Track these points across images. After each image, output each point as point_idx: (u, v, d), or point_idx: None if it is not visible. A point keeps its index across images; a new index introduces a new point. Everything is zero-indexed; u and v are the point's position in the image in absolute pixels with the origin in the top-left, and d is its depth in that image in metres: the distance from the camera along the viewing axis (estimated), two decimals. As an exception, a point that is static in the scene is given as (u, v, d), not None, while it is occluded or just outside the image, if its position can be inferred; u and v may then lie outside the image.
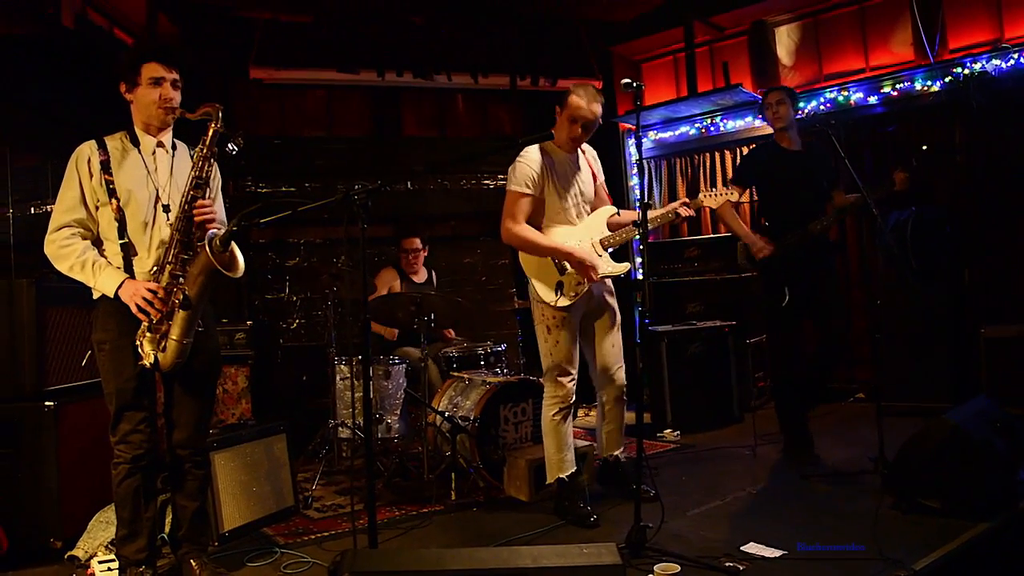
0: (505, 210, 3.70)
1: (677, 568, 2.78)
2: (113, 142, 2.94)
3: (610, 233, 3.80)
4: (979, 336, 5.15)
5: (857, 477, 3.97)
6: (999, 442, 3.42)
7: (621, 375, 3.90)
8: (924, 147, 4.25)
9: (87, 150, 2.89)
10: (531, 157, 3.68)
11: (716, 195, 6.95)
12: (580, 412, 6.18)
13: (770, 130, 6.39)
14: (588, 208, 3.88)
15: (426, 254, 5.60)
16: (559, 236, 3.72)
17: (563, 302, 3.67)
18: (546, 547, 2.29)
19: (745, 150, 6.77)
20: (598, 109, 3.66)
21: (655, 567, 2.81)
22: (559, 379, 3.75)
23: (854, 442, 4.70)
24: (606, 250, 3.75)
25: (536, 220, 3.73)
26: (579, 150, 3.88)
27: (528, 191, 3.65)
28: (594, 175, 3.95)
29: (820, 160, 4.20)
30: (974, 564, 3.02)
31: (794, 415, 4.53)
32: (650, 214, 3.48)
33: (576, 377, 3.80)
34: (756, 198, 4.77)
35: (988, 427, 3.47)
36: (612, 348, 3.87)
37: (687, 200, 3.82)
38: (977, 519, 3.20)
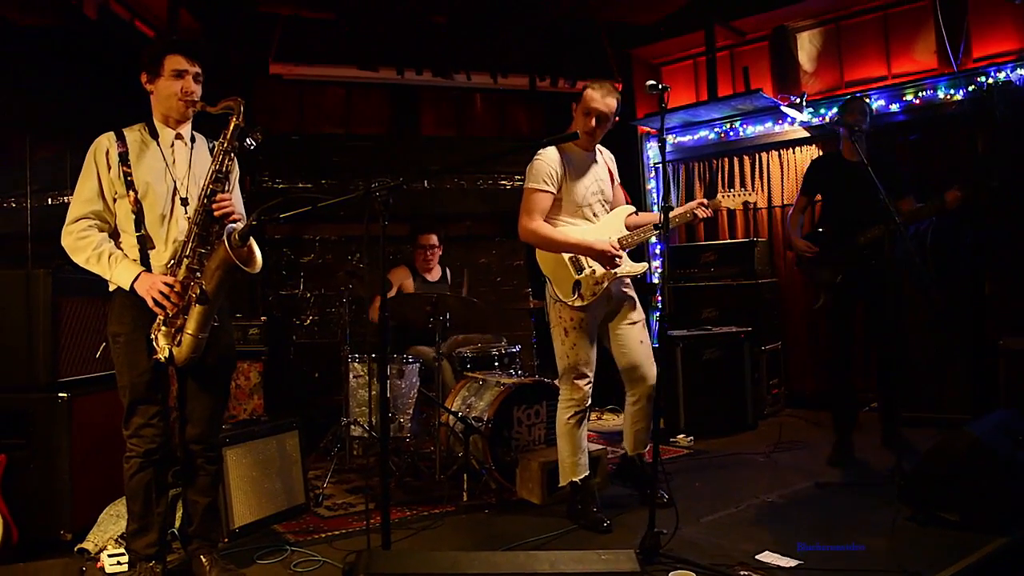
0: (522, 207, 3.68)
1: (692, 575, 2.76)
2: (132, 134, 2.92)
3: (628, 232, 3.77)
4: (998, 347, 5.08)
5: (873, 488, 3.93)
6: (1021, 456, 3.37)
7: (651, 372, 3.81)
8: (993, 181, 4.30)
9: (105, 142, 2.88)
10: (549, 155, 3.66)
11: (735, 196, 6.90)
12: (593, 415, 6.14)
13: (792, 136, 6.49)
14: (607, 207, 3.86)
15: (441, 252, 5.58)
16: (577, 233, 3.69)
17: (580, 302, 3.64)
18: (564, 552, 2.26)
19: (763, 155, 6.74)
20: (613, 103, 3.65)
21: (670, 574, 2.78)
22: (575, 382, 3.71)
23: (870, 452, 4.65)
24: (624, 250, 3.72)
25: (554, 218, 3.70)
26: (598, 150, 3.85)
27: (546, 188, 3.63)
28: (612, 175, 3.92)
29: (883, 170, 4.17)
30: (993, 579, 2.98)
31: (844, 419, 4.61)
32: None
33: (592, 380, 3.76)
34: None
35: (1010, 441, 3.41)
36: (640, 345, 3.80)
37: (704, 201, 3.80)
38: (996, 533, 3.15)
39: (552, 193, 3.64)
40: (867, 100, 4.70)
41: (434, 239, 5.49)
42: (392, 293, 5.24)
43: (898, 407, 4.77)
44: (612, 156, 3.99)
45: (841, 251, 4.51)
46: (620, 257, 3.63)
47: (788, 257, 6.50)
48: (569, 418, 3.72)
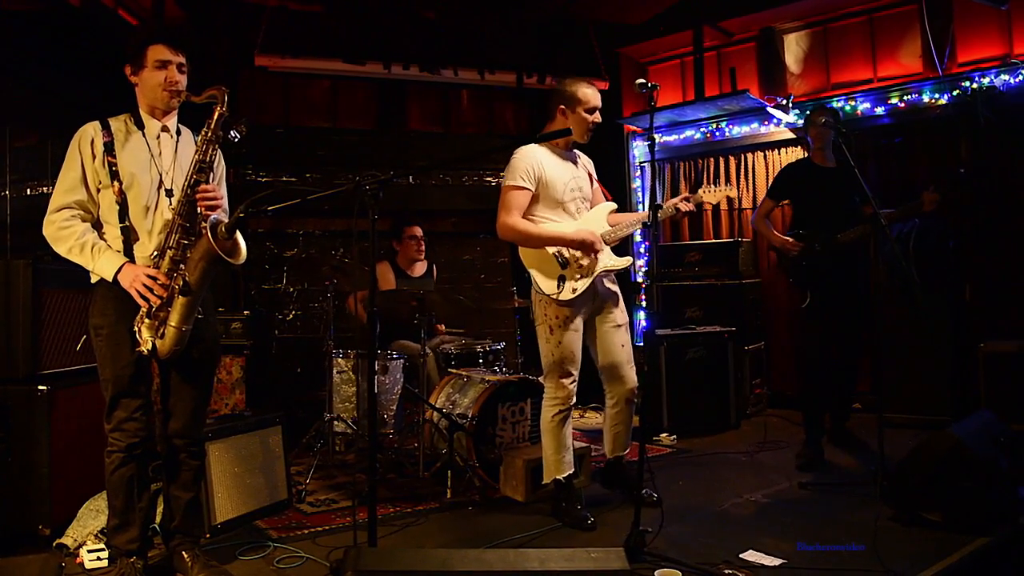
0: (501, 204, 3.68)
1: (678, 574, 2.75)
2: (117, 124, 2.88)
3: (610, 228, 3.77)
4: (978, 351, 5.13)
5: (856, 488, 3.94)
6: (1002, 458, 3.40)
7: (631, 375, 3.83)
8: (961, 170, 4.31)
9: (90, 131, 2.84)
10: (526, 151, 3.69)
11: (716, 191, 6.92)
12: (576, 413, 6.13)
13: (777, 137, 6.51)
14: (587, 205, 3.87)
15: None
16: (557, 228, 3.70)
17: (566, 295, 3.63)
18: (554, 550, 2.25)
19: (748, 156, 6.77)
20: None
21: (656, 572, 2.78)
22: (560, 380, 3.70)
23: (852, 452, 4.69)
24: (608, 245, 3.73)
25: (533, 215, 3.71)
26: (576, 154, 3.89)
27: (523, 184, 3.64)
28: (590, 176, 3.94)
29: (852, 176, 4.20)
30: (974, 579, 3.01)
31: (816, 421, 4.60)
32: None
33: (577, 379, 3.75)
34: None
35: (991, 443, 3.45)
36: (621, 348, 3.81)
37: (688, 195, 3.87)
38: (977, 534, 3.18)
39: (529, 190, 3.65)
40: (830, 108, 4.83)
41: (419, 230, 5.47)
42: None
43: (849, 391, 4.93)
44: (590, 160, 4.03)
45: (825, 250, 4.54)
46: (600, 244, 3.65)
47: (772, 258, 6.53)
48: (553, 416, 3.71)
